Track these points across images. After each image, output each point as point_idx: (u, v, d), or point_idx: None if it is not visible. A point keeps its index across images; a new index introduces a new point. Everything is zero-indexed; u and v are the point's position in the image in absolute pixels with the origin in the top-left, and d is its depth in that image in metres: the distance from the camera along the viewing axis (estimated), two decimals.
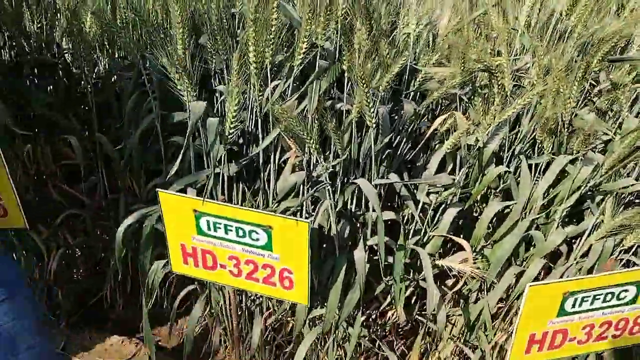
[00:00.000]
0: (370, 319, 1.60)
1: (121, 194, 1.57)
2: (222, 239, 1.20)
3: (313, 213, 1.31)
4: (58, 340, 1.75)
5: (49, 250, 1.64)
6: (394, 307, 1.52)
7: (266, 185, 1.32)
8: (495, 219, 1.41)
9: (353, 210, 1.35)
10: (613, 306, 1.13)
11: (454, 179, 1.27)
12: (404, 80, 1.37)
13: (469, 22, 1.44)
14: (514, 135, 1.37)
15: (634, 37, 1.53)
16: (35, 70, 1.48)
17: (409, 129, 1.33)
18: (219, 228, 1.19)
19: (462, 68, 1.23)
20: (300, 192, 1.30)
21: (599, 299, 1.11)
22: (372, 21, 1.25)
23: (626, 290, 1.11)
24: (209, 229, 1.20)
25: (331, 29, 1.16)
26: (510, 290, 1.42)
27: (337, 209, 1.27)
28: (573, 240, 1.35)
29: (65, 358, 1.70)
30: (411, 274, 1.48)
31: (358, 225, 1.37)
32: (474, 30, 1.53)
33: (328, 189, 1.20)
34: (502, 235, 1.32)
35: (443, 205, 1.38)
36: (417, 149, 1.35)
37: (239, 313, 1.53)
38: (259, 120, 1.23)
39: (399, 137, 1.37)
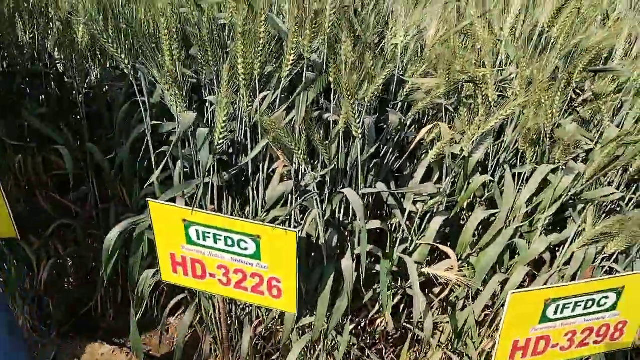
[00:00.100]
0: (359, 327, 1.62)
1: (112, 203, 1.58)
2: (211, 248, 1.22)
3: (302, 222, 1.33)
4: (49, 350, 1.75)
5: (40, 260, 1.64)
6: (382, 315, 1.54)
7: (255, 194, 1.33)
8: (481, 227, 1.44)
9: (341, 219, 1.37)
10: (594, 313, 1.15)
11: (439, 188, 1.29)
12: (391, 91, 1.40)
13: (455, 33, 1.48)
14: (498, 145, 1.40)
15: (616, 48, 1.57)
16: (27, 81, 1.50)
17: (395, 139, 1.36)
18: (208, 237, 1.20)
19: (447, 79, 1.26)
20: (289, 201, 1.32)
21: (580, 305, 1.13)
22: (356, 33, 1.28)
23: (606, 297, 1.13)
24: (198, 238, 1.21)
25: (318, 41, 1.19)
26: (496, 297, 1.44)
27: (325, 218, 1.29)
28: (557, 248, 1.38)
29: None
30: (399, 281, 1.50)
31: (346, 234, 1.39)
32: (461, 41, 1.57)
33: (316, 199, 1.22)
34: (487, 244, 1.34)
35: (430, 214, 1.40)
36: (404, 158, 1.37)
37: (229, 322, 1.54)
38: (248, 131, 1.25)
39: (386, 146, 1.39)
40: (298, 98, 1.15)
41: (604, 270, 1.34)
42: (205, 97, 1.34)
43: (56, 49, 1.57)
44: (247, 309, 1.55)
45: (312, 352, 1.55)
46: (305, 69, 1.13)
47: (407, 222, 1.39)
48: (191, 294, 1.55)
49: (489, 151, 1.36)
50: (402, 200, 1.38)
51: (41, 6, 1.47)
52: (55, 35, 1.54)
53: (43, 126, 1.41)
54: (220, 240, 1.19)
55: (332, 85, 1.16)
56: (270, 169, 1.32)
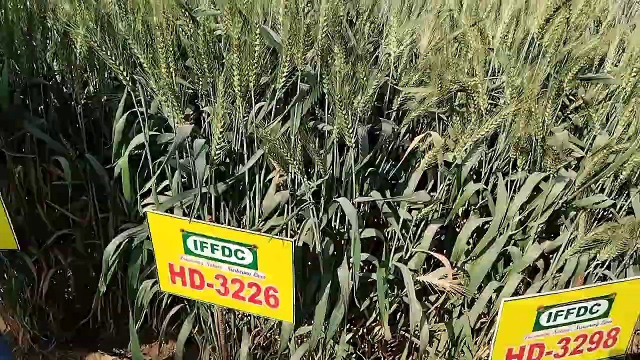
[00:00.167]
0: (357, 336, 1.63)
1: (111, 213, 1.59)
2: (209, 258, 1.23)
3: (298, 230, 1.35)
4: None
5: (40, 270, 1.66)
6: (380, 323, 1.55)
7: (252, 203, 1.35)
8: (475, 234, 1.45)
9: (337, 227, 1.39)
10: (587, 320, 1.17)
11: (432, 196, 1.31)
12: (385, 100, 1.42)
13: (448, 42, 1.50)
14: (492, 152, 1.42)
15: (608, 54, 1.59)
16: (27, 92, 1.52)
17: (389, 148, 1.37)
18: (206, 247, 1.22)
19: (439, 88, 1.28)
20: (285, 210, 1.33)
21: (573, 313, 1.14)
22: (350, 44, 1.30)
23: (598, 304, 1.14)
24: (196, 248, 1.23)
25: (313, 52, 1.21)
26: (492, 304, 1.45)
27: (321, 227, 1.31)
28: (551, 255, 1.39)
29: None
30: (395, 290, 1.52)
31: (342, 242, 1.40)
32: (455, 48, 1.59)
33: (311, 208, 1.24)
34: (481, 251, 1.35)
35: (425, 221, 1.41)
36: (398, 166, 1.39)
37: (227, 331, 1.55)
38: (245, 141, 1.27)
39: (380, 155, 1.41)
40: (292, 109, 1.17)
41: (597, 276, 1.35)
42: (202, 107, 1.36)
43: (55, 60, 1.59)
44: (246, 318, 1.56)
45: None
46: (299, 81, 1.15)
47: (403, 230, 1.41)
48: (190, 303, 1.57)
49: (482, 158, 1.38)
50: (397, 208, 1.40)
51: (40, 17, 1.50)
52: (53, 47, 1.56)
53: (44, 136, 1.43)
54: (217, 250, 1.21)
55: (326, 96, 1.18)
56: (267, 179, 1.34)
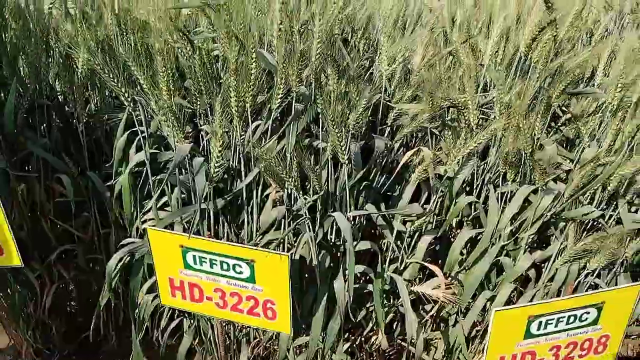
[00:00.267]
0: (355, 345, 1.66)
1: (112, 228, 1.63)
2: (208, 273, 1.27)
3: (295, 243, 1.38)
4: None
5: (42, 285, 1.69)
6: (376, 332, 1.58)
7: (250, 218, 1.39)
8: (469, 244, 1.49)
9: (333, 240, 1.42)
10: (577, 327, 1.20)
11: (425, 208, 1.35)
12: (379, 116, 1.46)
13: (440, 59, 1.54)
14: (484, 165, 1.45)
15: (598, 67, 1.62)
16: (30, 111, 1.56)
17: (383, 162, 1.41)
18: (205, 262, 1.25)
19: (430, 105, 1.32)
20: (282, 224, 1.37)
21: (563, 321, 1.17)
22: (345, 62, 1.34)
23: (587, 313, 1.18)
24: (195, 263, 1.26)
25: (307, 72, 1.25)
26: (486, 313, 1.48)
27: (317, 241, 1.34)
28: (542, 265, 1.42)
29: None
30: (391, 300, 1.55)
31: (338, 255, 1.44)
32: (450, 62, 1.63)
33: (307, 223, 1.27)
34: (474, 261, 1.39)
35: (418, 233, 1.45)
36: (391, 180, 1.42)
37: (227, 342, 1.59)
38: (242, 158, 1.30)
39: (375, 169, 1.45)
40: (288, 127, 1.21)
41: (588, 285, 1.39)
42: (201, 125, 1.40)
43: (57, 80, 1.63)
44: (245, 329, 1.59)
45: None
46: (294, 101, 1.19)
47: (398, 241, 1.44)
48: (190, 316, 1.60)
49: (475, 171, 1.42)
50: (392, 220, 1.43)
51: (43, 40, 1.54)
52: (55, 67, 1.60)
53: (47, 156, 1.47)
54: (216, 264, 1.24)
55: (320, 116, 1.22)
56: (264, 194, 1.38)
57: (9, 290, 1.72)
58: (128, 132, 1.43)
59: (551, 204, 1.27)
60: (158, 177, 1.42)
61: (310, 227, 1.29)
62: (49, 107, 1.57)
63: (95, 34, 1.53)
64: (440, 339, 1.58)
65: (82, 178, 1.57)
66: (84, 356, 1.88)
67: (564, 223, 1.33)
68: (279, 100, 1.18)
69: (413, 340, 1.48)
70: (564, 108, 1.61)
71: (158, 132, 1.45)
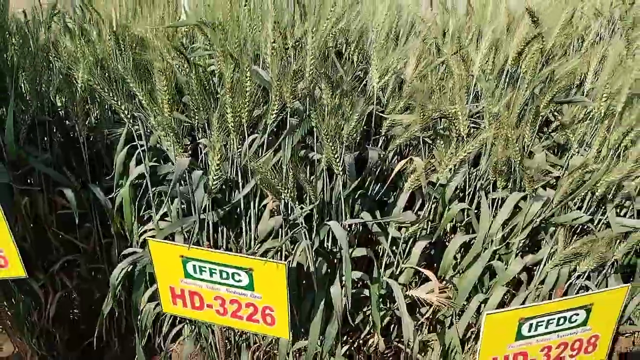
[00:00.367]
0: (353, 348, 1.70)
1: (114, 239, 1.67)
2: (208, 281, 1.31)
3: (293, 251, 1.42)
4: None
5: (46, 294, 1.73)
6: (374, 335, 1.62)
7: (248, 228, 1.42)
8: (462, 249, 1.53)
9: (330, 247, 1.46)
10: (567, 329, 1.24)
11: (418, 216, 1.38)
12: (372, 125, 1.49)
13: (432, 70, 1.57)
14: (476, 172, 1.49)
15: (589, 73, 1.66)
16: (32, 127, 1.59)
17: (377, 171, 1.45)
18: (204, 271, 1.29)
19: (422, 115, 1.36)
20: (280, 234, 1.41)
21: (553, 323, 1.21)
22: (338, 74, 1.38)
23: (577, 314, 1.22)
24: (195, 272, 1.30)
25: (302, 85, 1.29)
26: (480, 315, 1.52)
27: (314, 248, 1.38)
28: (534, 268, 1.46)
29: None
30: (388, 303, 1.59)
31: (335, 261, 1.48)
32: (440, 76, 1.66)
33: (304, 231, 1.31)
34: (467, 265, 1.43)
35: (413, 238, 1.49)
36: (385, 188, 1.46)
37: (228, 347, 1.62)
38: (239, 170, 1.34)
39: (370, 177, 1.49)
40: (283, 142, 1.25)
41: (579, 287, 1.42)
42: (199, 139, 1.43)
43: (57, 95, 1.67)
44: (245, 334, 1.63)
45: None
46: (289, 116, 1.23)
47: (393, 247, 1.48)
48: (191, 322, 1.64)
49: (467, 177, 1.45)
50: (387, 226, 1.47)
51: (44, 57, 1.57)
52: (56, 81, 1.63)
53: (49, 171, 1.51)
54: (215, 273, 1.28)
55: (314, 129, 1.26)
56: (262, 204, 1.41)
57: (13, 300, 1.75)
58: (128, 146, 1.47)
59: (540, 210, 1.31)
60: (158, 189, 1.46)
61: (307, 235, 1.33)
62: (51, 123, 1.60)
63: (95, 51, 1.56)
64: (436, 340, 1.62)
65: (84, 191, 1.61)
66: None
67: (554, 228, 1.37)
68: (274, 115, 1.22)
69: (410, 343, 1.52)
70: (555, 113, 1.65)
71: (157, 145, 1.48)
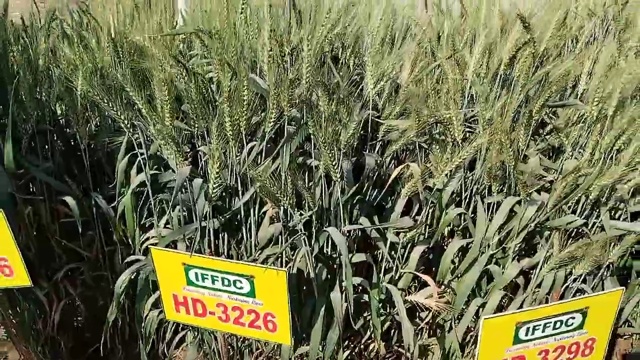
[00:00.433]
0: (354, 352, 1.71)
1: (117, 246, 1.69)
2: (210, 289, 1.32)
3: (293, 257, 1.44)
4: None
5: (51, 302, 1.75)
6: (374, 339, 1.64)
7: (248, 234, 1.44)
8: (460, 253, 1.54)
9: (329, 253, 1.48)
10: (563, 332, 1.25)
11: (416, 221, 1.40)
12: (369, 129, 1.51)
13: (427, 74, 1.59)
14: (472, 176, 1.51)
15: (582, 75, 1.67)
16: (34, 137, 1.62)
17: (375, 176, 1.47)
18: (207, 278, 1.31)
19: (417, 121, 1.37)
20: (280, 240, 1.43)
21: (549, 326, 1.23)
22: (332, 83, 1.40)
23: (573, 318, 1.23)
24: (197, 279, 1.32)
25: (299, 91, 1.31)
26: (478, 319, 1.54)
27: (314, 254, 1.40)
28: (530, 272, 1.48)
29: None
30: (387, 308, 1.61)
31: (335, 267, 1.49)
32: (436, 79, 1.68)
33: (303, 238, 1.33)
34: (464, 270, 1.44)
35: (411, 243, 1.51)
36: (383, 193, 1.48)
37: (231, 354, 1.64)
38: (239, 177, 1.36)
39: (367, 183, 1.51)
40: (281, 149, 1.27)
41: (575, 290, 1.44)
42: (198, 146, 1.45)
43: (57, 103, 1.69)
44: (247, 340, 1.65)
45: None
46: (286, 123, 1.25)
47: (392, 252, 1.50)
48: (194, 328, 1.65)
49: (463, 182, 1.47)
50: (385, 232, 1.49)
51: (44, 67, 1.60)
52: (56, 90, 1.65)
53: (50, 180, 1.53)
54: (217, 281, 1.30)
55: (312, 136, 1.28)
56: (262, 211, 1.43)
57: (18, 308, 1.77)
58: (129, 155, 1.49)
59: (535, 214, 1.32)
60: (159, 197, 1.48)
61: (307, 241, 1.35)
62: (52, 132, 1.63)
63: (93, 59, 1.58)
64: (436, 344, 1.64)
65: (86, 199, 1.63)
66: None
67: (549, 231, 1.39)
68: (272, 122, 1.24)
69: (410, 347, 1.53)
70: (551, 115, 1.66)
71: (158, 153, 1.51)
